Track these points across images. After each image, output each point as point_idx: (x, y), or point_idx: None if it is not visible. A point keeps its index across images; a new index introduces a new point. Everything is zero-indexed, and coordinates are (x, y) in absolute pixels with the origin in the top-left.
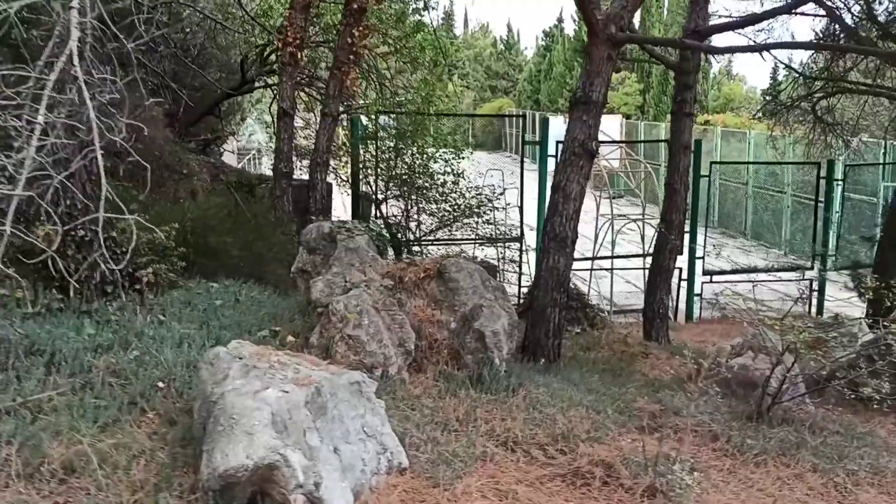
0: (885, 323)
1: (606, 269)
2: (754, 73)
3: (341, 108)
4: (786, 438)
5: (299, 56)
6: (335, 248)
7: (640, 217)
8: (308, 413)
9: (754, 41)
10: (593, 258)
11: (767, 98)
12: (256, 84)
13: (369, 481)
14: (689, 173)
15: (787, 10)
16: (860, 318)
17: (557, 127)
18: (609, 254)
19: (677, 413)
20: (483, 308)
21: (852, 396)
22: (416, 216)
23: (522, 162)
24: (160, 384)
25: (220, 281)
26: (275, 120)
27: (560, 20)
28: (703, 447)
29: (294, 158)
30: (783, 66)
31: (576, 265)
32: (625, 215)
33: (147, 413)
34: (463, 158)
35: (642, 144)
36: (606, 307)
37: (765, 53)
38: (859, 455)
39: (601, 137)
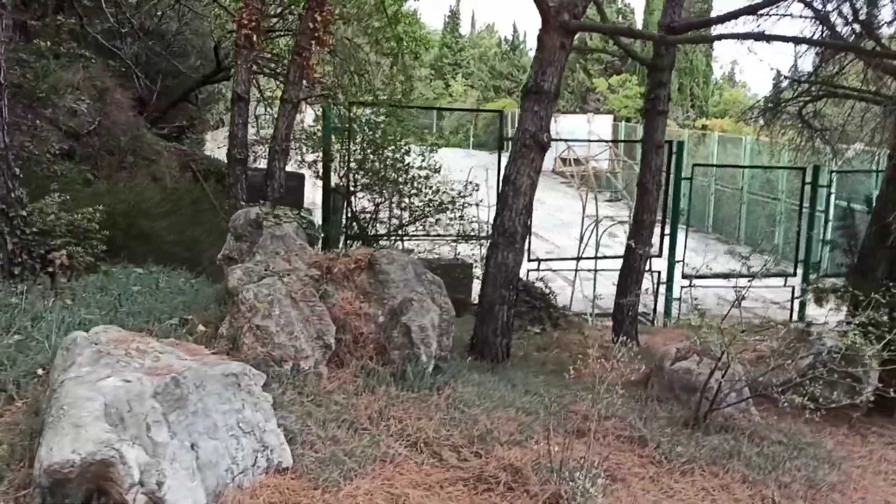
0: (817, 332)
1: (590, 271)
2: (758, 79)
3: (301, 96)
4: (719, 447)
5: (255, 39)
6: (261, 235)
7: (627, 220)
8: (157, 405)
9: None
10: (578, 258)
11: (763, 103)
12: (233, 72)
13: (238, 480)
14: (661, 173)
15: (754, 9)
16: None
17: None
18: (596, 255)
19: (611, 417)
20: (412, 302)
21: (784, 405)
22: (388, 210)
23: (500, 158)
24: (39, 371)
25: (147, 266)
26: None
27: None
28: (631, 453)
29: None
30: (769, 66)
31: (560, 265)
32: (610, 217)
33: (15, 401)
34: (434, 152)
35: (638, 146)
36: (590, 309)
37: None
38: (796, 466)
39: (592, 138)
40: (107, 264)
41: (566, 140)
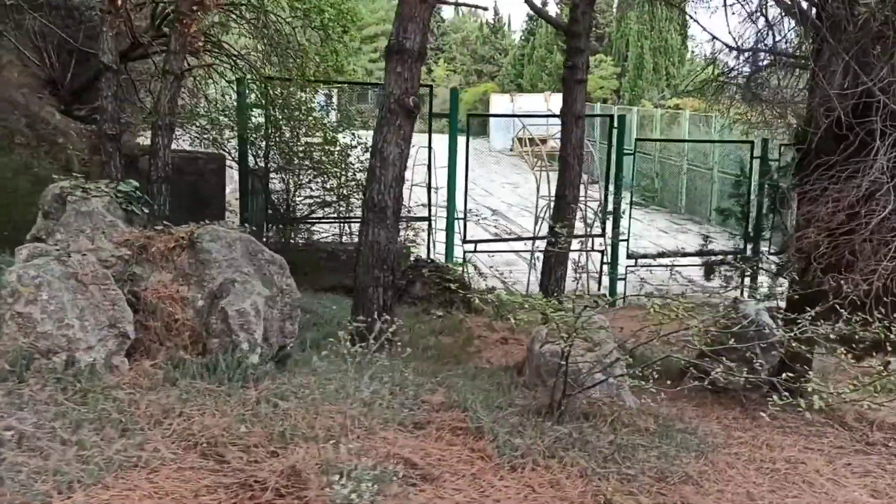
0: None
1: (540, 251)
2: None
3: (186, 66)
4: (566, 437)
5: (120, 4)
6: (65, 212)
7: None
8: None
9: None
10: (534, 238)
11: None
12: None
13: None
14: (582, 146)
15: None
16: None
17: (502, 105)
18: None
19: (454, 407)
20: (235, 284)
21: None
22: (306, 191)
23: (430, 137)
24: None
25: None
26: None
27: (544, 3)
28: (462, 447)
29: None
30: (712, 37)
31: (518, 246)
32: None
33: None
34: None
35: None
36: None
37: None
38: (651, 456)
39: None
40: None
41: (493, 115)
